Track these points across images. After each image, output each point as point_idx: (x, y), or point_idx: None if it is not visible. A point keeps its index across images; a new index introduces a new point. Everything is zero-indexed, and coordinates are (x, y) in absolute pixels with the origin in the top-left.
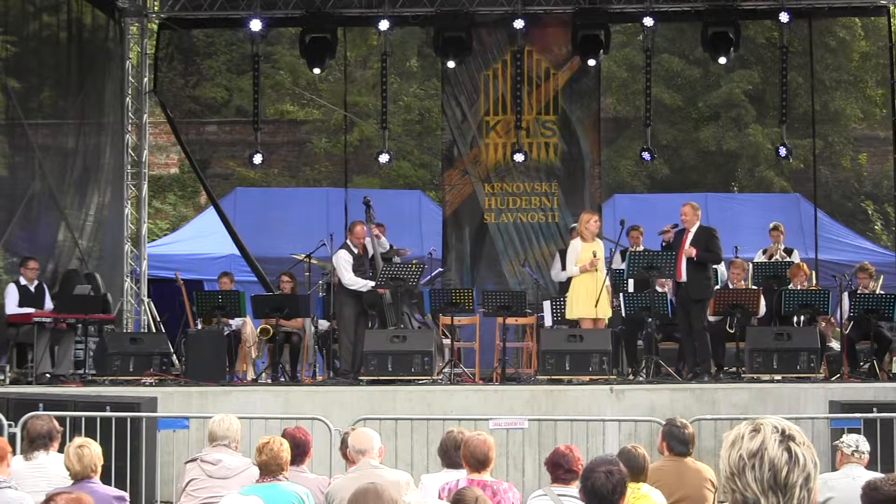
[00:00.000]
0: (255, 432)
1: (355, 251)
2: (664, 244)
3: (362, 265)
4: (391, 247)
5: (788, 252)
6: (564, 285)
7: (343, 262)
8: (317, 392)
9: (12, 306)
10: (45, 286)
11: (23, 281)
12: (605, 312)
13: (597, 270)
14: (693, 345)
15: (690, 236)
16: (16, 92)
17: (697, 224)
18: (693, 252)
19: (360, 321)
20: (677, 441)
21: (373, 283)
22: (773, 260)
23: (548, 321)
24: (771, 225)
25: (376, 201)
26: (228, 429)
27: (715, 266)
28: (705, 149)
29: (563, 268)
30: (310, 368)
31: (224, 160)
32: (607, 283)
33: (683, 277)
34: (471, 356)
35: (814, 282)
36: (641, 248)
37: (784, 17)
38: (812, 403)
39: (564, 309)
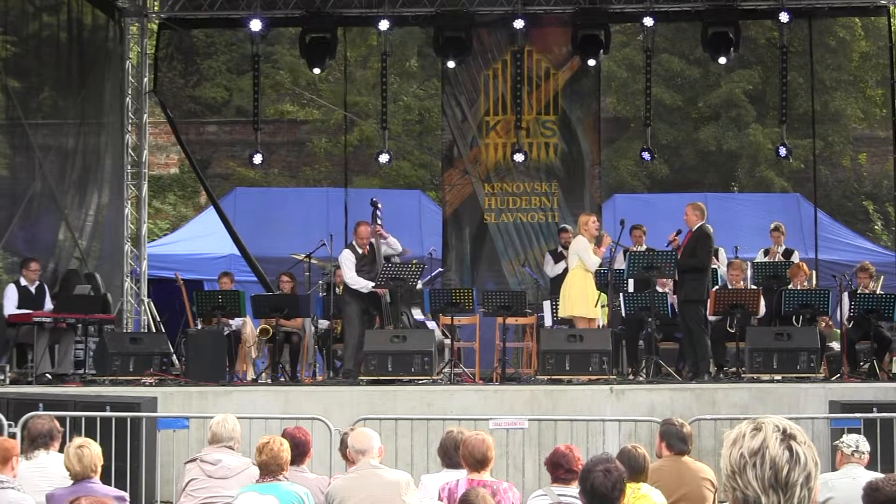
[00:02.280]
0: (255, 432)
1: (360, 251)
2: (673, 251)
3: (366, 265)
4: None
5: (788, 254)
6: (557, 284)
7: (346, 262)
8: (317, 392)
9: (10, 307)
10: (45, 287)
11: (23, 282)
12: (600, 312)
13: (599, 267)
14: (690, 343)
15: (689, 237)
16: (16, 92)
17: (699, 224)
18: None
19: (365, 320)
20: (676, 439)
21: (373, 285)
22: (773, 261)
23: (548, 321)
24: (772, 225)
25: None
26: (233, 430)
27: (714, 266)
28: (705, 149)
29: (556, 262)
30: (310, 368)
31: (224, 160)
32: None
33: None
34: (471, 356)
35: (814, 282)
36: (644, 247)
37: (784, 17)
38: (812, 403)
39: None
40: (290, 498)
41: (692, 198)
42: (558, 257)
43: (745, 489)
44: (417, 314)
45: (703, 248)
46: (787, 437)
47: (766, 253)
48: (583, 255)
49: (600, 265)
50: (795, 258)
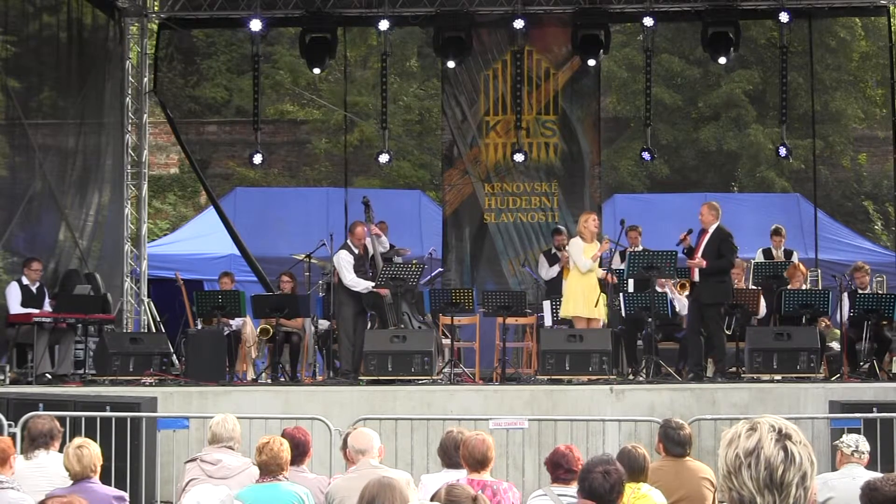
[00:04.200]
0: (255, 432)
1: (356, 251)
2: (685, 251)
3: (362, 266)
4: (392, 246)
5: (787, 255)
6: (554, 285)
7: (344, 263)
8: (317, 392)
9: (15, 305)
10: (45, 288)
11: (25, 281)
12: (601, 312)
13: (599, 267)
14: (697, 344)
15: (707, 237)
16: (16, 92)
17: (716, 224)
18: (703, 264)
19: (360, 321)
20: (673, 443)
21: (373, 285)
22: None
23: (548, 321)
24: (772, 228)
25: (376, 201)
26: (233, 430)
27: None
28: (705, 149)
29: (551, 265)
30: (310, 368)
31: (224, 160)
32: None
33: (697, 278)
34: (471, 356)
35: (819, 282)
36: (640, 248)
37: (784, 17)
38: (812, 403)
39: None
40: (290, 498)
41: (693, 198)
42: (553, 259)
43: (740, 489)
44: (418, 317)
45: (729, 249)
46: (782, 437)
47: (766, 254)
48: (574, 257)
49: (600, 265)
50: (795, 259)
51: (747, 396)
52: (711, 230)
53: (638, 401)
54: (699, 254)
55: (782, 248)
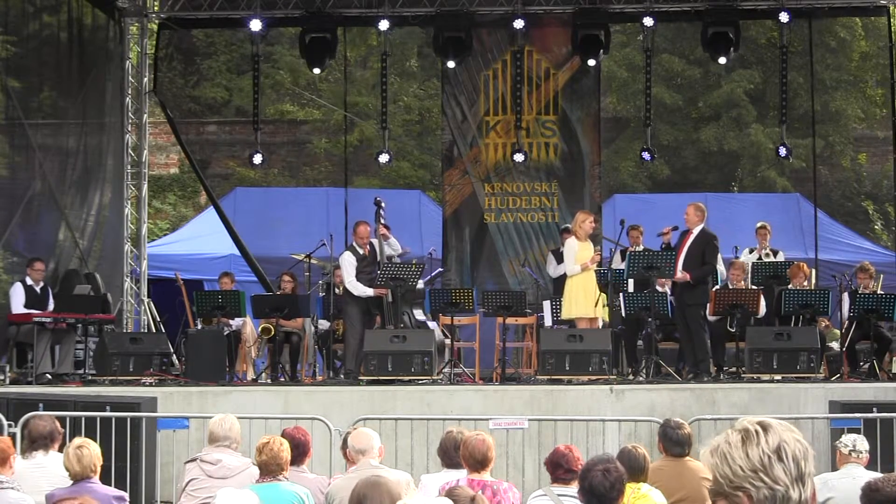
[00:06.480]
0: (255, 432)
1: (360, 252)
2: (663, 246)
3: (367, 266)
4: (403, 250)
5: (774, 253)
6: (559, 284)
7: (347, 265)
8: (317, 392)
9: (18, 306)
10: (48, 288)
11: (29, 281)
12: (602, 312)
13: (598, 267)
14: (690, 345)
15: (691, 239)
16: (16, 92)
17: (701, 227)
18: (687, 277)
19: (366, 321)
20: (672, 443)
21: (371, 292)
22: (759, 259)
23: (548, 321)
24: (758, 224)
25: None
26: (231, 429)
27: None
28: (706, 149)
29: (559, 263)
30: (310, 368)
31: (224, 160)
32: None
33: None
34: (471, 356)
35: (813, 282)
36: (641, 247)
37: (784, 17)
38: (812, 403)
39: (561, 308)
40: (290, 498)
41: (693, 198)
42: (561, 258)
43: (773, 485)
44: (418, 314)
45: (713, 255)
46: (791, 432)
47: (752, 252)
48: (565, 257)
49: (599, 265)
50: (780, 258)
51: (747, 396)
52: (696, 232)
53: (638, 401)
54: (683, 255)
55: (767, 246)
